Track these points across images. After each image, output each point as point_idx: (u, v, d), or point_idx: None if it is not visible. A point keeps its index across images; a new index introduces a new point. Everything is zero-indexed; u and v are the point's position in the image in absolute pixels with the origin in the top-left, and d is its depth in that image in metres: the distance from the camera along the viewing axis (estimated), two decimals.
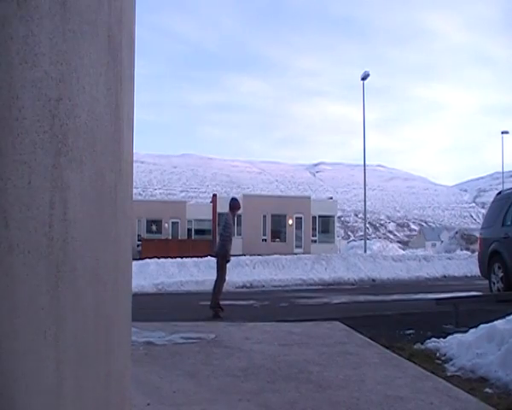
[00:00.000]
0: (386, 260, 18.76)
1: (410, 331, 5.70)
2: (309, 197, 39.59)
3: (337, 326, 5.27)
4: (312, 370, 3.38)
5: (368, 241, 30.99)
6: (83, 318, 1.38)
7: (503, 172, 47.36)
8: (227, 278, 8.59)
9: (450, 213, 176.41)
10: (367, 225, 35.77)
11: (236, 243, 34.23)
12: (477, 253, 11.99)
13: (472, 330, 4.46)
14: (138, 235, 32.89)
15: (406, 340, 5.18)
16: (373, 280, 16.44)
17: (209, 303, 8.18)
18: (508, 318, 4.30)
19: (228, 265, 8.41)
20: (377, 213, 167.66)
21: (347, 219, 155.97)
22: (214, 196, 37.81)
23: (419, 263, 19.04)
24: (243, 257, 18.03)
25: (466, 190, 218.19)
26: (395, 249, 35.46)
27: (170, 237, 34.62)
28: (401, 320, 6.67)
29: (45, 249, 1.25)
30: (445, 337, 4.75)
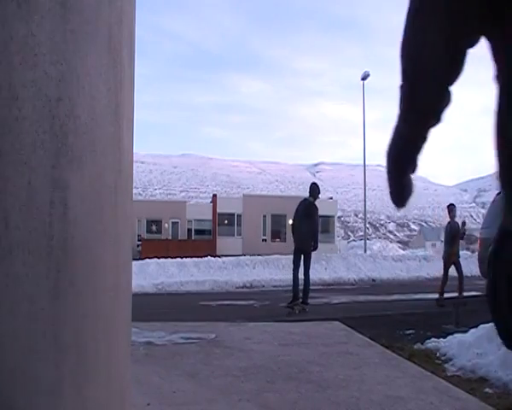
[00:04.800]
0: (386, 260, 18.77)
1: (410, 331, 5.70)
2: None
3: (337, 326, 5.27)
4: (312, 370, 3.37)
5: (368, 241, 30.99)
6: (83, 318, 1.38)
7: None
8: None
9: None
10: (367, 225, 35.78)
11: (236, 243, 34.33)
12: (477, 253, 11.98)
13: (472, 330, 4.46)
14: (138, 235, 32.86)
15: (406, 340, 5.19)
16: (373, 280, 16.45)
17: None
18: None
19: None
20: (377, 213, 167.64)
21: (347, 219, 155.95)
22: (214, 196, 37.79)
23: (419, 263, 19.04)
24: (243, 257, 18.01)
25: (466, 190, 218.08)
26: (395, 249, 35.48)
27: (170, 237, 34.59)
28: (401, 320, 6.67)
29: (45, 249, 1.25)
30: (445, 337, 4.75)
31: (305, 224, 8.25)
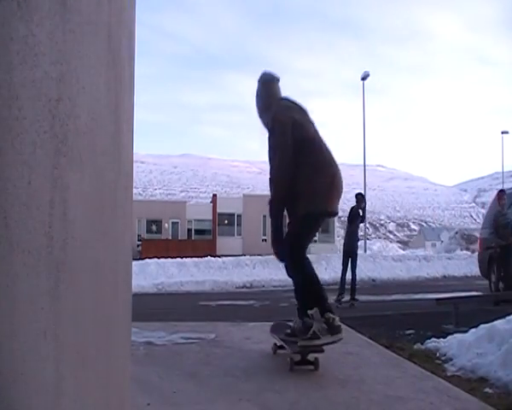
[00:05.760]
0: (386, 260, 18.77)
1: (410, 331, 5.70)
2: None
3: None
4: (312, 370, 3.37)
5: (368, 241, 30.96)
6: (83, 318, 1.38)
7: (503, 172, 47.37)
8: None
9: (450, 213, 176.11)
10: (367, 225, 35.73)
11: (236, 243, 34.32)
12: (477, 253, 11.99)
13: (472, 330, 4.46)
14: (138, 235, 32.85)
15: (406, 340, 5.19)
16: (373, 280, 16.44)
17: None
18: (508, 318, 4.30)
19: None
20: (377, 213, 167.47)
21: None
22: (214, 196, 37.79)
23: (419, 263, 19.03)
24: (243, 257, 18.01)
25: (466, 190, 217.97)
26: (395, 249, 35.44)
27: (170, 237, 34.59)
28: (401, 320, 6.67)
29: (45, 249, 1.25)
30: (445, 337, 4.75)
31: (349, 229, 9.93)
